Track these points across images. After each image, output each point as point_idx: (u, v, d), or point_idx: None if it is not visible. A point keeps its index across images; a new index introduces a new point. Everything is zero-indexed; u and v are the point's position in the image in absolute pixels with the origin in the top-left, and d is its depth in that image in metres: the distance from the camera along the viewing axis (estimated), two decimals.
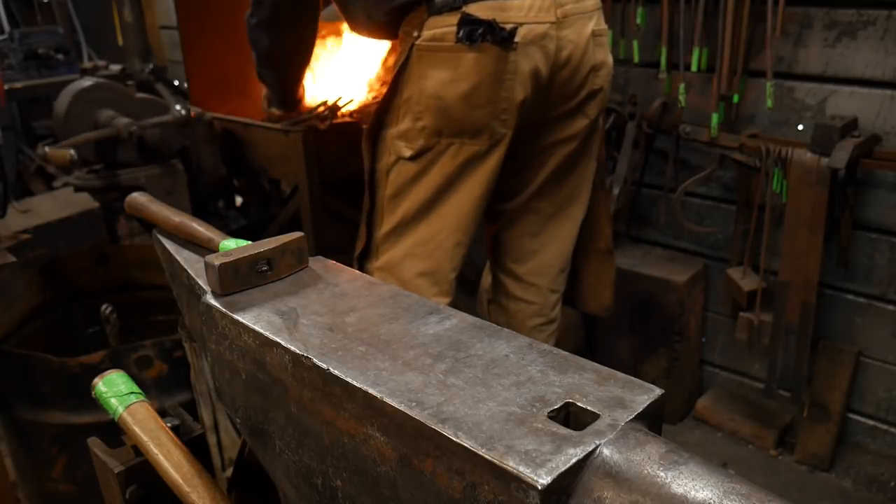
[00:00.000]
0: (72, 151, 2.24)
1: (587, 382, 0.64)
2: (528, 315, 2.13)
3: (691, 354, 2.71)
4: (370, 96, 3.12)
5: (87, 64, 3.86)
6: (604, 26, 1.84)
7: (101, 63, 3.84)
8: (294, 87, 2.40)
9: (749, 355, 2.63)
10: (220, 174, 2.83)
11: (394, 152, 1.81)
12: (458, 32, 1.64)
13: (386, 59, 1.88)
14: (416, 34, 1.69)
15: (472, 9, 1.64)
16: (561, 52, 1.73)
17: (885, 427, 2.44)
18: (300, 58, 2.25)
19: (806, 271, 2.26)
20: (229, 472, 1.04)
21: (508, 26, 1.64)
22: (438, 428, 0.58)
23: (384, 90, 1.85)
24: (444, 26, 1.66)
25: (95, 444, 0.96)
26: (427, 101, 1.71)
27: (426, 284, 1.86)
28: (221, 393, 0.87)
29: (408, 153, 1.79)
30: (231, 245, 0.93)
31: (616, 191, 2.62)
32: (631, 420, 0.59)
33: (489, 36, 1.63)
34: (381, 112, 1.82)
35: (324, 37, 3.30)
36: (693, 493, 0.52)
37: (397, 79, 1.75)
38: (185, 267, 0.94)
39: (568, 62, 1.75)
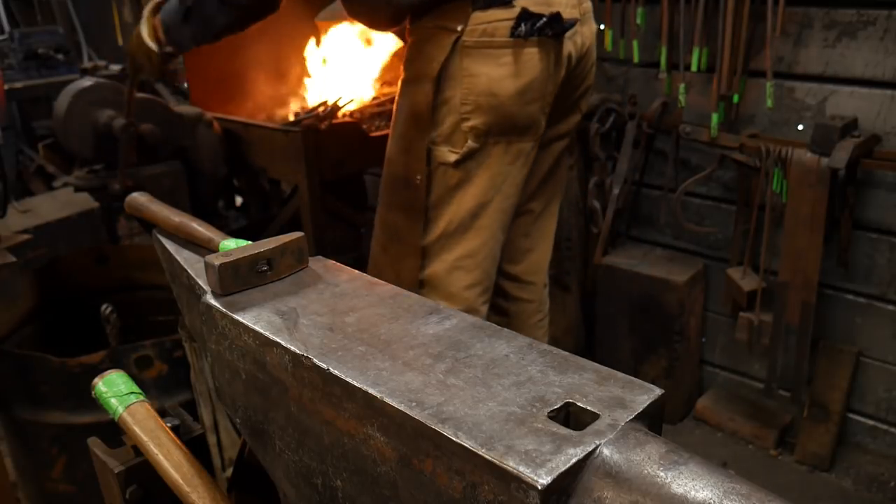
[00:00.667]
0: None
1: (587, 382, 0.64)
2: (528, 314, 2.13)
3: (691, 354, 2.70)
4: (370, 96, 3.12)
5: (87, 64, 3.86)
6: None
7: (101, 63, 3.84)
8: (198, 44, 2.02)
9: (749, 355, 2.63)
10: (220, 174, 2.83)
11: (435, 158, 1.72)
12: (516, 27, 1.60)
13: (406, 56, 1.77)
14: (459, 29, 1.62)
15: (522, 3, 1.61)
16: (583, 47, 1.77)
17: (885, 427, 2.44)
18: (234, 31, 1.96)
19: (806, 271, 2.26)
20: (229, 472, 1.04)
21: (567, 19, 1.62)
22: (438, 428, 0.58)
23: (408, 91, 1.74)
24: (493, 21, 1.61)
25: (95, 444, 0.96)
26: (477, 100, 1.65)
27: (475, 295, 1.82)
28: (221, 393, 0.87)
29: (452, 158, 1.70)
30: (231, 245, 0.93)
31: (616, 191, 2.62)
32: (631, 420, 0.59)
33: (549, 29, 1.60)
34: (413, 115, 1.72)
35: (323, 37, 3.30)
36: (693, 493, 0.52)
37: (437, 79, 1.66)
38: (185, 267, 0.94)
39: (584, 57, 1.79)
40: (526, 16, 1.60)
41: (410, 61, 1.74)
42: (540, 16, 1.60)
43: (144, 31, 1.97)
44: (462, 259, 1.79)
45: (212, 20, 1.85)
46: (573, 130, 1.97)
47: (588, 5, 1.81)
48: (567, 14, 1.66)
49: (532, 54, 1.63)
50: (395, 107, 1.83)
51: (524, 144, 1.75)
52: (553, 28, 1.61)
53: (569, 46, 1.71)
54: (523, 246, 2.06)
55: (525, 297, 2.11)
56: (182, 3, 1.85)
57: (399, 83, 1.80)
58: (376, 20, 1.86)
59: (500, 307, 2.15)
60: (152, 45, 1.96)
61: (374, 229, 1.92)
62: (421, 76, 1.69)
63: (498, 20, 1.61)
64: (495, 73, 1.63)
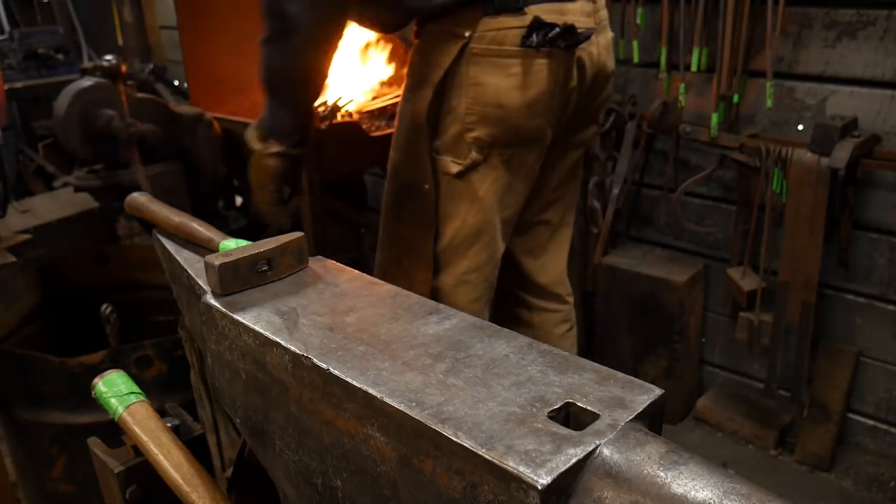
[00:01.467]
0: None
1: (587, 382, 0.64)
2: (553, 323, 2.09)
3: (691, 354, 2.71)
4: (370, 96, 3.12)
5: (87, 64, 3.85)
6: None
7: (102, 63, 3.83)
8: (306, 114, 1.82)
9: (749, 355, 2.63)
10: (220, 174, 2.83)
11: (438, 168, 1.66)
12: (528, 36, 1.52)
13: (410, 61, 1.72)
14: (467, 35, 1.54)
15: (534, 11, 1.53)
16: (599, 57, 1.70)
17: (885, 427, 2.44)
18: (319, 78, 1.78)
19: (806, 271, 2.26)
20: (229, 472, 1.04)
21: (581, 30, 1.54)
22: (438, 428, 0.58)
23: (412, 97, 1.66)
24: (503, 28, 1.52)
25: (95, 444, 0.96)
26: (483, 111, 1.57)
27: (480, 307, 1.78)
28: (221, 393, 0.87)
29: (455, 169, 1.63)
30: (231, 245, 0.93)
31: (616, 191, 2.62)
32: (631, 420, 0.59)
33: (561, 40, 1.52)
34: (416, 123, 1.64)
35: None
36: (693, 493, 0.52)
37: (440, 85, 1.59)
38: (185, 267, 0.94)
39: (600, 67, 1.72)
40: (538, 25, 1.51)
41: (415, 66, 1.67)
42: (553, 26, 1.51)
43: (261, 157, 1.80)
44: (468, 273, 1.74)
45: (287, 76, 1.65)
46: (589, 140, 1.92)
47: (604, 13, 1.73)
48: (581, 24, 1.59)
49: (542, 66, 1.55)
50: (398, 112, 1.76)
51: (529, 156, 1.69)
52: (566, 40, 1.52)
53: (583, 57, 1.64)
54: (542, 257, 2.01)
55: (549, 307, 2.06)
56: (267, 107, 1.70)
57: (403, 88, 1.73)
58: (382, 23, 1.79)
59: (523, 318, 2.09)
60: (253, 136, 1.79)
61: (384, 241, 1.85)
62: (424, 82, 1.62)
63: (508, 28, 1.52)
64: (503, 83, 1.55)
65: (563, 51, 1.56)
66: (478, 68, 1.55)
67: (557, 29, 1.51)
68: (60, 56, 3.99)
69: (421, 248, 1.73)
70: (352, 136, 2.65)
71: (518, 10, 1.53)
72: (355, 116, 2.94)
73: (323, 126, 2.57)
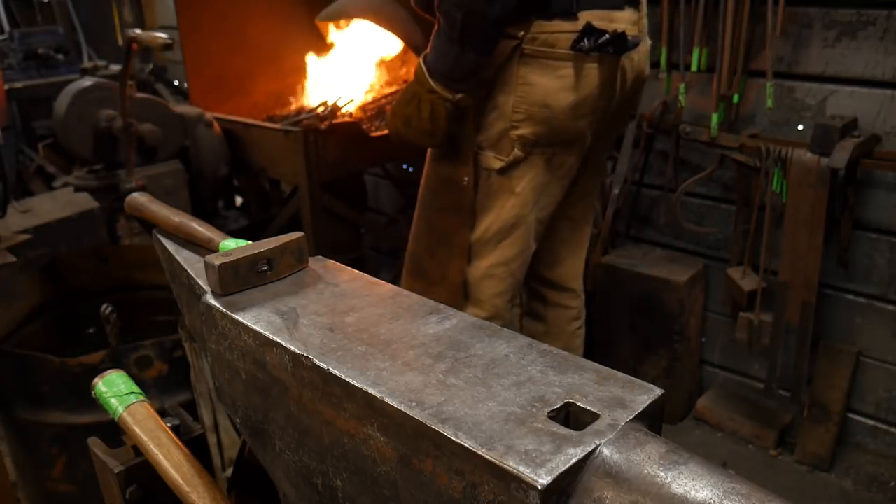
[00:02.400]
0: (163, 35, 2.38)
1: (587, 382, 0.64)
2: (567, 320, 2.12)
3: (691, 354, 2.70)
4: (370, 96, 3.12)
5: (87, 64, 3.86)
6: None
7: (101, 63, 3.84)
8: (485, 65, 1.62)
9: (749, 355, 2.63)
10: (220, 174, 2.83)
11: (480, 162, 1.69)
12: (579, 41, 1.56)
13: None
14: (520, 35, 1.57)
15: (585, 17, 1.57)
16: (639, 63, 1.76)
17: (885, 427, 2.44)
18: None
19: (806, 271, 2.26)
20: (229, 472, 1.04)
21: (630, 37, 1.59)
22: (438, 428, 0.58)
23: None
24: (556, 31, 1.56)
25: (95, 444, 0.96)
26: (529, 110, 1.61)
27: (503, 302, 1.82)
28: (221, 393, 0.87)
29: (497, 165, 1.67)
30: (231, 245, 0.93)
31: (616, 191, 2.62)
32: (631, 420, 0.59)
33: (611, 46, 1.56)
34: (459, 116, 1.66)
35: (323, 37, 3.30)
36: (693, 493, 0.52)
37: (490, 83, 1.62)
38: (185, 267, 0.94)
39: (638, 74, 1.78)
40: (590, 30, 1.55)
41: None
42: (603, 32, 1.55)
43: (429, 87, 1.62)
44: (495, 267, 1.77)
45: (482, 20, 1.52)
46: (614, 140, 1.98)
47: (645, 22, 1.78)
48: (628, 31, 1.63)
49: (591, 69, 1.59)
50: None
51: (568, 157, 1.72)
52: (616, 46, 1.57)
53: (625, 63, 1.68)
54: (562, 251, 2.05)
55: (563, 303, 2.10)
56: (449, 40, 1.55)
57: None
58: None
59: (539, 313, 2.13)
60: (447, 95, 1.61)
61: (418, 232, 1.88)
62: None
63: (560, 31, 1.57)
64: (552, 84, 1.59)
65: (612, 56, 1.60)
66: (528, 68, 1.59)
67: (608, 35, 1.55)
68: (60, 56, 3.99)
69: (456, 239, 1.77)
70: (352, 136, 2.65)
71: (571, 15, 1.57)
72: (355, 116, 2.94)
73: (323, 126, 2.57)
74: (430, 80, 1.62)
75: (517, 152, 1.66)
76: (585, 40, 1.56)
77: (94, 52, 4.75)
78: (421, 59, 1.65)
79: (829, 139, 2.10)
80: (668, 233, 2.75)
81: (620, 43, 1.57)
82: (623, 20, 1.65)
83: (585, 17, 1.58)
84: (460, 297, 1.82)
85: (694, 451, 0.56)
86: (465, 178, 1.70)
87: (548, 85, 1.59)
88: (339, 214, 2.85)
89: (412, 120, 1.67)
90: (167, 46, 2.40)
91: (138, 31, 2.44)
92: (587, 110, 1.65)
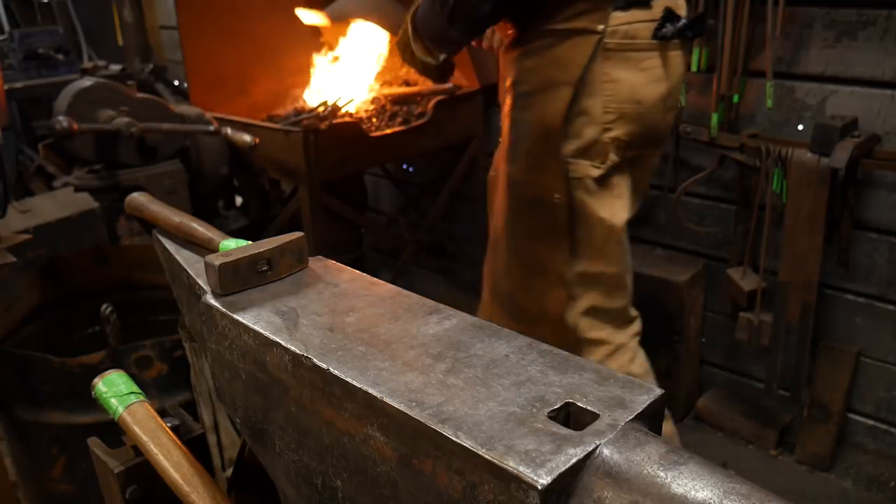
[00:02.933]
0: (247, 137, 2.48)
1: (587, 382, 0.64)
2: (630, 335, 2.04)
3: (691, 354, 2.70)
4: (370, 96, 3.12)
5: (87, 64, 3.85)
6: None
7: (101, 63, 3.83)
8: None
9: (749, 355, 2.63)
10: (220, 174, 2.83)
11: (573, 173, 1.55)
12: (661, 27, 1.48)
13: (521, 69, 1.59)
14: (601, 30, 1.46)
15: (659, 4, 1.50)
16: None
17: (885, 427, 2.44)
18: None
19: (806, 271, 2.25)
20: (229, 472, 1.04)
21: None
22: (438, 428, 0.58)
23: (534, 103, 1.51)
24: (635, 22, 1.48)
25: (95, 444, 0.96)
26: (621, 108, 1.51)
27: (607, 335, 1.69)
28: (221, 393, 0.87)
29: (595, 172, 1.53)
30: (231, 245, 0.93)
31: None
32: (631, 420, 0.59)
33: (690, 31, 1.49)
34: (545, 128, 1.53)
35: (324, 37, 3.30)
36: (693, 493, 0.52)
37: (577, 84, 1.49)
38: (185, 267, 0.94)
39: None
40: (671, 16, 1.49)
41: (532, 70, 1.55)
42: (679, 17, 1.49)
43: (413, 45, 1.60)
44: (601, 298, 1.61)
45: (474, 9, 1.47)
46: None
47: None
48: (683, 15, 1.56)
49: (675, 57, 1.52)
50: (506, 122, 1.63)
51: (655, 157, 1.63)
52: (694, 30, 1.50)
53: None
54: None
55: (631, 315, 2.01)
56: (439, 12, 1.51)
57: (510, 96, 1.61)
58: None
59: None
60: (428, 59, 1.60)
61: (508, 267, 1.70)
62: (554, 83, 1.52)
63: (639, 21, 1.48)
64: (638, 78, 1.50)
65: (689, 41, 1.54)
66: (611, 63, 1.49)
67: (685, 20, 1.49)
68: (60, 56, 3.99)
69: (551, 265, 1.62)
70: (352, 136, 2.65)
71: (646, 3, 1.49)
72: (355, 116, 2.94)
73: (323, 126, 2.57)
74: (412, 42, 1.54)
75: (613, 157, 1.54)
76: (668, 26, 1.48)
77: (94, 52, 4.75)
78: (410, 15, 1.55)
79: (829, 139, 2.10)
80: (668, 233, 2.75)
81: (700, 26, 1.50)
82: (680, 6, 1.58)
83: (658, 4, 1.50)
84: (566, 331, 1.66)
85: (694, 451, 0.56)
86: (556, 196, 1.55)
87: (634, 79, 1.50)
88: (339, 214, 2.85)
89: (408, 61, 1.61)
90: (252, 147, 2.54)
91: (229, 131, 2.54)
92: (674, 101, 1.57)
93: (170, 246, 1.01)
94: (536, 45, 1.53)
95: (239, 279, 0.83)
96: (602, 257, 1.62)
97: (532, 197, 1.60)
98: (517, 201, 1.63)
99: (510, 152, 1.61)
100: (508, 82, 1.60)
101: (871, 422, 2.47)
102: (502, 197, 1.65)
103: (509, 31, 1.60)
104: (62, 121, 2.42)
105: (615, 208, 1.59)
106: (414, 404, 0.61)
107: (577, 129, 1.53)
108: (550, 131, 1.53)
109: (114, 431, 0.92)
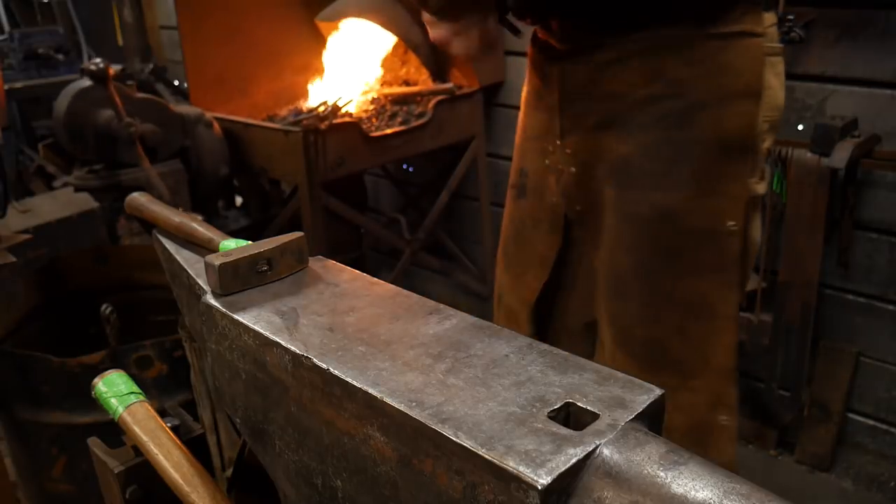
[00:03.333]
0: None
1: (587, 382, 0.64)
2: None
3: None
4: (370, 97, 3.12)
5: (87, 64, 3.86)
6: None
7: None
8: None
9: (749, 355, 2.63)
10: (220, 174, 2.83)
11: (753, 192, 1.38)
12: (789, 31, 1.45)
13: (682, 77, 1.38)
14: (760, 31, 1.34)
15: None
16: None
17: (885, 427, 2.44)
18: None
19: (806, 271, 2.26)
20: (229, 472, 1.04)
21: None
22: (438, 428, 0.58)
23: (707, 116, 1.34)
24: (772, 24, 1.37)
25: (95, 444, 0.96)
26: (772, 116, 1.39)
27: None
28: (221, 393, 0.87)
29: (762, 189, 1.38)
30: (231, 245, 0.93)
31: None
32: (631, 420, 0.59)
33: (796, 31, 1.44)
34: (725, 146, 1.35)
35: (324, 37, 3.30)
36: (693, 493, 0.52)
37: (759, 94, 1.36)
38: (185, 267, 0.94)
39: None
40: (786, 18, 1.44)
41: (691, 80, 1.35)
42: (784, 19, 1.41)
43: None
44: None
45: None
46: None
47: None
48: None
49: (782, 61, 1.41)
50: (669, 142, 1.38)
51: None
52: (803, 30, 1.44)
53: None
54: None
55: None
56: None
57: (641, 113, 1.38)
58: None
59: None
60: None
61: (655, 311, 1.45)
62: (732, 94, 1.35)
63: (772, 24, 1.38)
64: (775, 82, 1.39)
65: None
66: (767, 70, 1.37)
67: (790, 21, 1.42)
68: (60, 56, 3.99)
69: (721, 307, 1.45)
70: (352, 136, 2.65)
71: (776, 4, 1.40)
72: (355, 116, 2.94)
73: (323, 126, 2.57)
74: None
75: (762, 167, 1.40)
76: (795, 31, 1.45)
77: (94, 52, 4.75)
78: None
79: (829, 139, 2.11)
80: None
81: (804, 27, 1.45)
82: None
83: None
84: (732, 385, 1.50)
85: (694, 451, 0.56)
86: (731, 223, 1.35)
87: (775, 84, 1.39)
88: (339, 214, 2.85)
89: None
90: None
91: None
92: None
93: (170, 246, 1.01)
94: (692, 53, 1.34)
95: (239, 279, 0.83)
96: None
97: (694, 227, 1.37)
98: (680, 233, 1.39)
99: (657, 178, 1.38)
100: (636, 97, 1.38)
101: (871, 422, 2.47)
102: (633, 231, 1.42)
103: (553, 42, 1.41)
104: (98, 62, 2.40)
105: (759, 230, 1.46)
106: (414, 404, 0.61)
107: (757, 143, 1.39)
108: (733, 150, 1.36)
109: (114, 431, 0.92)
